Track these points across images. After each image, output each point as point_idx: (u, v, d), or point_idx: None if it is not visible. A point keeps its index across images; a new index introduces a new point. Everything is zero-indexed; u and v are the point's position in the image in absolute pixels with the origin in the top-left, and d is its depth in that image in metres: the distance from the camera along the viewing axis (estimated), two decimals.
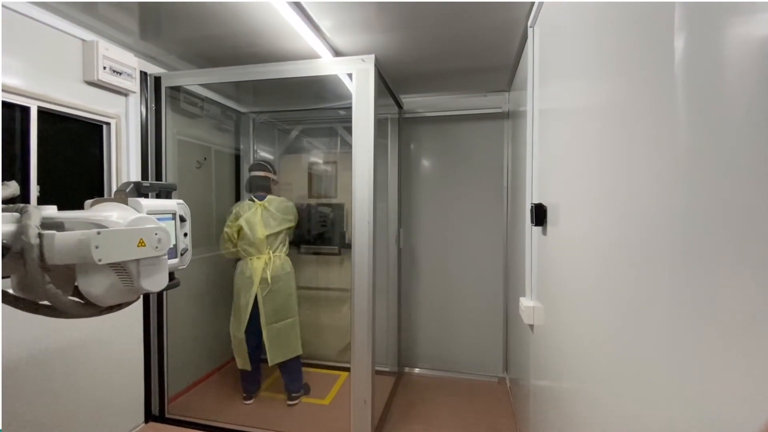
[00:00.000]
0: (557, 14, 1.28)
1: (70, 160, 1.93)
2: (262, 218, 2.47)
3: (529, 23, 1.66)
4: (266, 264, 2.44)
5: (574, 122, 1.07)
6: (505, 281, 2.88)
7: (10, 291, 0.86)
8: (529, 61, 1.65)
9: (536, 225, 1.47)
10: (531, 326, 1.65)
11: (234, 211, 2.50)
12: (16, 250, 0.71)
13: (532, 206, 1.48)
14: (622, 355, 0.73)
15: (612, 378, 0.78)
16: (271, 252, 2.48)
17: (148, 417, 2.30)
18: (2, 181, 0.88)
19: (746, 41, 0.42)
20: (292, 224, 2.60)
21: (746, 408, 0.41)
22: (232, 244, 2.48)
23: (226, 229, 2.48)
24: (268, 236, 2.46)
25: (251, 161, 3.24)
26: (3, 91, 1.58)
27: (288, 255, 2.58)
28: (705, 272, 0.48)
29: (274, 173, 2.65)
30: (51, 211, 0.84)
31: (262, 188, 2.57)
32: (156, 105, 2.26)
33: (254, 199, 2.53)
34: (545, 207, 1.42)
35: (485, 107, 2.88)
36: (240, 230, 2.45)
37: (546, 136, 1.46)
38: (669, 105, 0.57)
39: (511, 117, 2.73)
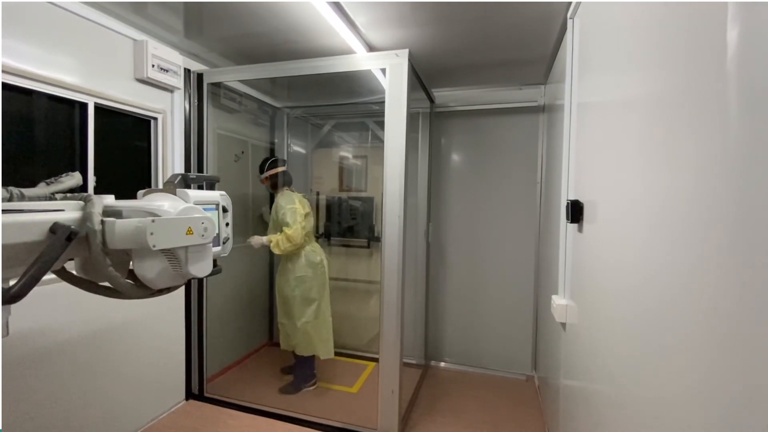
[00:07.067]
0: (598, 4, 1.23)
1: (121, 152, 2.07)
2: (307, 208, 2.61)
3: (568, 14, 1.61)
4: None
5: (615, 116, 1.04)
6: (536, 278, 2.82)
7: (74, 272, 0.94)
8: (568, 53, 1.60)
9: (572, 222, 1.44)
10: (563, 324, 1.62)
11: (296, 206, 2.46)
12: (81, 235, 0.78)
13: (568, 203, 1.44)
14: (659, 359, 0.72)
15: (648, 382, 0.77)
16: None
17: (189, 395, 2.45)
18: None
19: None
20: None
21: None
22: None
23: (304, 224, 2.44)
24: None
25: (285, 155, 3.33)
26: (63, 88, 1.70)
27: None
28: (751, 276, 0.46)
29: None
30: (110, 200, 0.91)
31: (291, 182, 2.69)
32: (198, 101, 2.38)
33: (294, 190, 2.65)
34: (582, 204, 1.38)
35: (520, 101, 2.81)
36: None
37: (584, 130, 1.41)
38: (719, 102, 0.55)
39: (547, 111, 2.65)
